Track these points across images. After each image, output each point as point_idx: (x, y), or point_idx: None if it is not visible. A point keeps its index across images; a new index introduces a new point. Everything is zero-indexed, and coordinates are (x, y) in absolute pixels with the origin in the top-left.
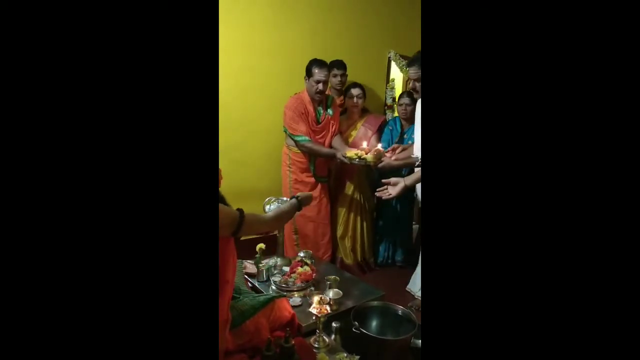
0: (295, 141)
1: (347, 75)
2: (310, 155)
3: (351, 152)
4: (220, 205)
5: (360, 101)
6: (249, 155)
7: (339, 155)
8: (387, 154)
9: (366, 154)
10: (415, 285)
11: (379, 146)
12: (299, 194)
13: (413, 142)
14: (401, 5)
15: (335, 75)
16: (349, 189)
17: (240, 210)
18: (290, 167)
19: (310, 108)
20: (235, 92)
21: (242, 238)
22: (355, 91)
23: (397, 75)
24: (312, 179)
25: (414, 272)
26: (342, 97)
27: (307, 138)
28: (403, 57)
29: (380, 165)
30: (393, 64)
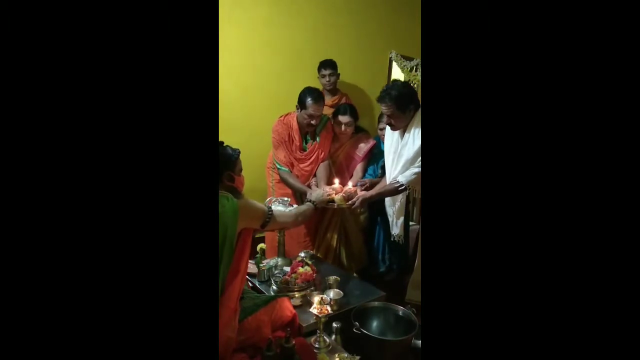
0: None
1: (338, 74)
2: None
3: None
4: (252, 201)
5: (349, 129)
6: (250, 155)
7: (308, 196)
8: (359, 192)
9: (337, 193)
10: (413, 294)
11: (349, 185)
12: (313, 198)
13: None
14: (403, 5)
15: (323, 76)
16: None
17: (267, 206)
18: (273, 169)
19: (297, 136)
20: (236, 91)
21: None
22: (343, 119)
23: (398, 76)
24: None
25: (410, 282)
26: (330, 123)
27: (285, 168)
28: (405, 57)
29: (354, 206)
30: (394, 64)
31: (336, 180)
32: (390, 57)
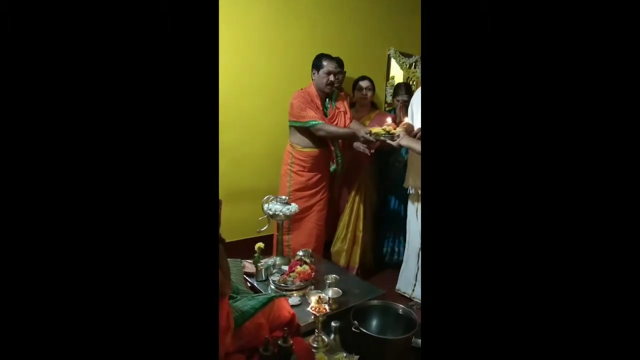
0: (309, 128)
1: (345, 73)
2: (333, 140)
3: (377, 128)
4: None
5: (369, 93)
6: (249, 155)
7: (362, 132)
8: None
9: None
10: (403, 284)
11: (406, 120)
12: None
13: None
14: (402, 2)
15: None
16: (355, 188)
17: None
18: (291, 167)
19: (318, 102)
20: (235, 91)
21: (241, 238)
22: (364, 83)
23: (396, 72)
24: (315, 180)
25: (400, 272)
26: (343, 93)
27: (319, 121)
28: (403, 54)
29: (414, 133)
30: (393, 61)
31: (388, 119)
32: (389, 54)
